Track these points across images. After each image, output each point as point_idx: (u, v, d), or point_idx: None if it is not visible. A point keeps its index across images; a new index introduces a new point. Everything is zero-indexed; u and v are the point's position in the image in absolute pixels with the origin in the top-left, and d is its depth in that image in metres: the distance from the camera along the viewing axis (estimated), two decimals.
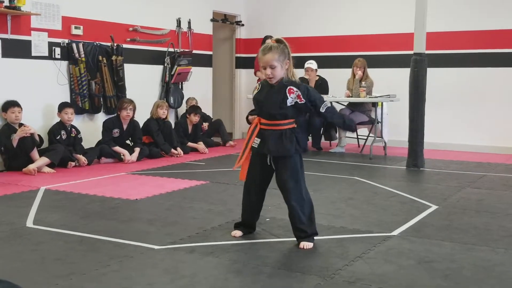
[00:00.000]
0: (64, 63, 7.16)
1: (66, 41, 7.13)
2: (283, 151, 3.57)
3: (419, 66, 6.63)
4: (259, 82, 3.79)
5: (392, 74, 8.71)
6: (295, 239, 3.67)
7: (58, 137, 6.60)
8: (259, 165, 3.68)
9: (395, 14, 8.84)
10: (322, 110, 3.60)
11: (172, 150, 7.62)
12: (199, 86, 9.20)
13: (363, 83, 7.92)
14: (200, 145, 8.12)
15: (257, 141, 3.62)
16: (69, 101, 7.09)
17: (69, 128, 6.75)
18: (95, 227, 4.02)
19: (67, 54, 7.14)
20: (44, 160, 6.26)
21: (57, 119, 6.75)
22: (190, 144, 8.09)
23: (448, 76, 8.52)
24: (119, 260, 3.29)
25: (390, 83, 8.38)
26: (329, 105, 3.65)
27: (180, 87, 8.83)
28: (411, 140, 6.79)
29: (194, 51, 8.97)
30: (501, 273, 3.13)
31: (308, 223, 3.62)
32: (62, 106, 6.73)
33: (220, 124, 8.97)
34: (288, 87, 3.54)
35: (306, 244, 3.56)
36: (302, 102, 3.54)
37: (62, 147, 6.48)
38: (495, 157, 7.76)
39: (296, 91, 3.53)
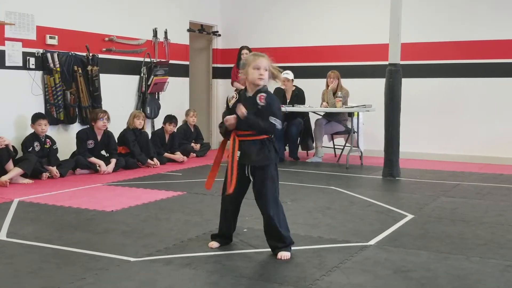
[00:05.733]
0: (39, 73, 7.08)
1: (41, 51, 7.06)
2: (266, 160, 3.58)
3: (394, 77, 6.71)
4: (236, 91, 3.79)
5: (368, 84, 8.79)
6: None
7: (30, 149, 6.49)
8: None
9: (370, 25, 8.94)
10: (272, 121, 3.54)
11: (149, 160, 7.57)
12: (175, 96, 9.18)
13: (339, 93, 7.98)
14: (177, 155, 8.09)
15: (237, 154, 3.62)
16: (43, 111, 7.00)
17: (43, 139, 6.66)
18: (70, 239, 3.97)
19: (42, 64, 7.06)
20: (17, 170, 6.17)
21: (31, 130, 6.66)
22: (167, 154, 8.06)
23: (423, 86, 8.63)
24: (94, 273, 3.25)
25: (366, 93, 8.46)
26: (279, 126, 3.57)
27: (156, 97, 8.79)
28: (387, 150, 6.86)
29: (170, 61, 8.95)
30: (476, 282, 3.17)
31: (285, 233, 3.62)
32: (36, 118, 6.64)
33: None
34: (259, 95, 3.56)
35: (284, 255, 3.55)
36: (262, 104, 3.54)
37: (34, 156, 6.39)
38: (469, 166, 7.88)
39: (264, 96, 3.56)
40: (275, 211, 3.59)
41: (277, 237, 3.60)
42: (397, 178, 6.78)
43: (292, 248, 3.64)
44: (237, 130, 3.60)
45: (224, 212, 3.78)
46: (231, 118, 3.57)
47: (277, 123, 3.56)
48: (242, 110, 3.51)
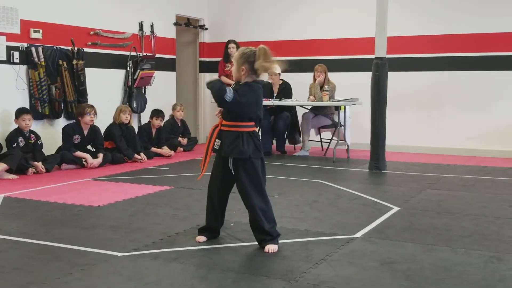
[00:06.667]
0: (23, 68, 7.02)
1: (25, 45, 6.99)
2: (238, 153, 3.56)
3: (380, 70, 6.73)
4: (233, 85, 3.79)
5: (354, 78, 8.82)
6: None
7: (15, 145, 6.44)
8: (220, 169, 3.69)
9: (356, 19, 8.96)
10: (227, 91, 3.52)
11: (136, 155, 7.54)
12: (162, 90, 9.14)
13: (326, 87, 8.00)
14: (165, 150, 8.07)
15: (218, 142, 3.65)
16: (28, 106, 6.94)
17: (27, 135, 6.60)
18: (56, 235, 3.95)
19: (26, 58, 7.00)
20: (1, 166, 6.11)
21: (16, 125, 6.60)
22: (154, 149, 8.03)
23: (409, 80, 8.68)
24: (81, 268, 3.24)
25: (352, 87, 8.49)
26: (228, 97, 3.49)
27: (143, 91, 8.75)
28: (373, 143, 6.89)
29: (157, 55, 8.91)
30: (461, 273, 3.20)
31: (272, 226, 3.63)
32: (19, 113, 6.57)
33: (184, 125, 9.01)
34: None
35: (271, 248, 3.56)
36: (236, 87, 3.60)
37: (19, 152, 6.34)
38: (454, 159, 7.94)
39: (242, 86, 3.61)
40: (258, 204, 3.59)
41: (262, 230, 3.61)
42: (383, 171, 6.82)
43: (280, 241, 3.65)
44: (224, 119, 3.65)
45: (211, 206, 3.79)
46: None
47: (230, 94, 3.48)
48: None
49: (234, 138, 3.57)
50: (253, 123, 3.63)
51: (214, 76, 9.74)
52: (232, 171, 3.62)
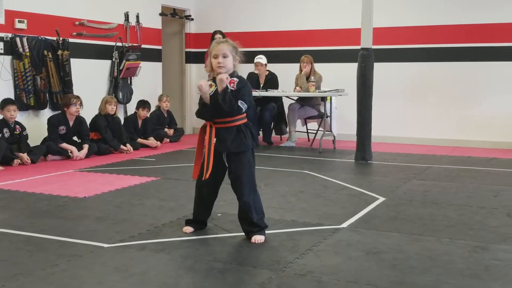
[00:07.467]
0: (8, 58, 6.94)
1: (10, 35, 6.91)
2: (242, 146, 3.57)
3: (366, 61, 6.75)
4: (210, 79, 3.76)
5: (340, 69, 8.84)
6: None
7: (0, 136, 6.39)
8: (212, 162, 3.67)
9: (342, 9, 8.97)
10: (240, 105, 3.53)
11: (122, 146, 7.51)
12: (148, 81, 9.10)
13: (312, 78, 8.01)
14: (151, 141, 8.04)
15: (213, 141, 3.61)
16: (13, 97, 6.88)
17: (12, 126, 6.55)
18: (42, 226, 3.93)
19: (11, 48, 6.92)
20: None
21: (0, 116, 6.54)
22: (140, 140, 8.01)
23: (395, 71, 8.72)
24: (67, 260, 3.23)
25: (338, 78, 8.51)
26: (244, 107, 3.54)
27: (129, 82, 8.70)
28: (359, 134, 6.92)
29: (143, 46, 8.86)
30: (446, 262, 3.24)
31: (261, 217, 3.65)
32: (4, 103, 6.51)
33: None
34: (230, 79, 3.56)
35: (258, 238, 3.58)
36: (231, 88, 3.53)
37: (4, 143, 6.29)
38: (440, 149, 8.01)
39: (236, 80, 3.56)
40: (251, 197, 3.60)
41: (251, 221, 3.62)
42: (369, 161, 6.85)
43: (266, 231, 3.67)
44: (213, 118, 3.58)
45: (199, 198, 3.78)
46: (205, 85, 3.52)
47: (244, 106, 3.54)
48: (223, 77, 3.45)
49: (235, 133, 3.56)
50: (245, 115, 3.63)
51: (201, 66, 9.75)
52: (226, 164, 3.62)
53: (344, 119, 8.58)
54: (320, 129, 8.30)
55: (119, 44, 8.48)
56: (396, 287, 2.87)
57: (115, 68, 8.39)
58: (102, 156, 7.20)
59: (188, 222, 3.84)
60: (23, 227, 3.91)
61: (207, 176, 3.53)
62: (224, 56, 3.53)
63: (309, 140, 8.71)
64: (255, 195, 3.64)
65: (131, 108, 8.52)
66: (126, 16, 8.71)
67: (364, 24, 6.77)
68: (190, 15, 10.16)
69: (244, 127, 3.61)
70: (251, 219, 3.61)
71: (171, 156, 7.30)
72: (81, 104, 7.02)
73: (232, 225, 3.93)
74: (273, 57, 9.09)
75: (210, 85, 3.59)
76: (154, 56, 9.32)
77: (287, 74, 8.71)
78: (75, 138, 7.23)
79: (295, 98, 8.43)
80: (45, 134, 7.00)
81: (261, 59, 8.55)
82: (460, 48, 8.41)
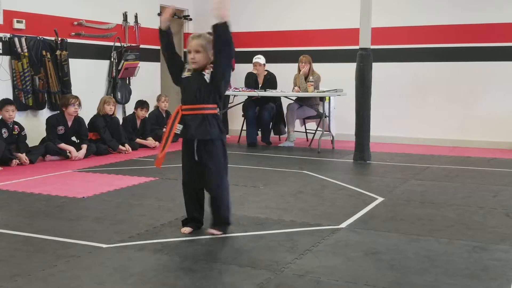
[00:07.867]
0: (6, 58, 6.94)
1: (8, 35, 6.91)
2: (206, 134, 3.60)
3: (364, 61, 6.75)
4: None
5: (339, 69, 8.84)
6: (245, 233, 3.70)
7: None
8: (187, 159, 3.73)
9: (341, 9, 8.97)
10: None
11: (120, 146, 7.51)
12: (147, 81, 9.10)
13: (310, 78, 8.01)
14: (149, 141, 8.04)
15: (179, 127, 3.66)
16: (11, 97, 6.87)
17: (11, 126, 6.54)
18: (41, 226, 3.93)
19: (9, 48, 6.92)
20: None
21: None
22: (138, 140, 8.00)
23: (393, 71, 8.73)
24: (66, 260, 3.22)
25: (337, 78, 8.51)
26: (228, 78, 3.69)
27: (127, 82, 8.70)
28: (358, 134, 6.92)
29: (141, 46, 8.85)
30: (445, 263, 3.24)
31: (225, 212, 3.71)
32: (3, 104, 6.50)
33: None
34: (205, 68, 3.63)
35: (216, 232, 3.68)
36: (207, 73, 3.61)
37: (3, 143, 6.28)
38: (438, 149, 8.01)
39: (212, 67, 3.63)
40: (218, 189, 3.65)
41: (216, 215, 3.69)
42: (368, 161, 6.86)
43: (265, 231, 3.67)
44: (184, 104, 3.66)
45: (185, 194, 3.82)
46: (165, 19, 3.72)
47: (232, 54, 3.65)
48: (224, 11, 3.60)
49: (200, 121, 3.59)
50: (215, 105, 3.66)
51: None
52: (196, 157, 3.65)
53: (342, 119, 8.58)
54: (319, 129, 8.30)
55: (118, 44, 8.47)
56: (395, 287, 2.87)
57: (114, 68, 8.39)
58: (101, 156, 7.20)
59: (184, 223, 3.85)
60: (21, 227, 3.90)
61: (161, 156, 3.67)
62: (197, 51, 3.61)
63: (307, 140, 8.71)
64: (222, 188, 3.67)
65: (130, 108, 8.52)
66: (125, 16, 8.71)
67: (363, 24, 6.77)
68: (188, 15, 10.16)
69: (211, 116, 3.63)
70: (216, 212, 3.68)
71: (169, 156, 7.22)
72: (79, 104, 7.02)
73: (231, 225, 3.92)
74: (271, 57, 9.09)
75: (188, 70, 3.72)
76: (152, 56, 9.32)
77: (285, 74, 8.71)
78: (73, 138, 7.23)
79: (294, 98, 8.43)
80: (44, 134, 7.00)
81: (260, 59, 8.55)
82: (459, 48, 8.42)
